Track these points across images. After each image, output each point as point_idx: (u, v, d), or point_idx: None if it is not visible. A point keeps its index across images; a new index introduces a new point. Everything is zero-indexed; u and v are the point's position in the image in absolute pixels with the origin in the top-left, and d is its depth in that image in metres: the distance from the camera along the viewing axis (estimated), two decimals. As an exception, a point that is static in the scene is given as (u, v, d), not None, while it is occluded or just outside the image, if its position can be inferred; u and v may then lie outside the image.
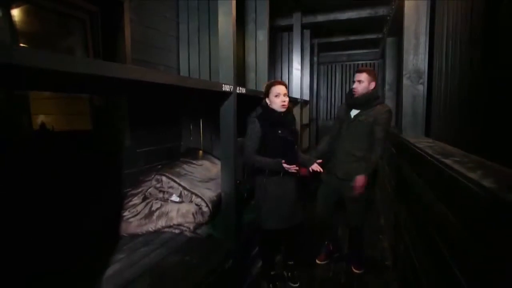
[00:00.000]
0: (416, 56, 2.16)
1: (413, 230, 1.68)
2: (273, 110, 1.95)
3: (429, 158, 1.35)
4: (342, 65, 6.84)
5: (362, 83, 2.14)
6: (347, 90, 2.73)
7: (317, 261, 2.51)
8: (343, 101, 2.53)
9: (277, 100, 1.92)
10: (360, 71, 2.17)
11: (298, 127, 2.09)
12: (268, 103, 1.97)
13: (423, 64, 2.17)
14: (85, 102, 2.18)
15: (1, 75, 1.05)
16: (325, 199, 2.39)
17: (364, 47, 6.04)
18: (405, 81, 2.22)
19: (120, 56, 2.08)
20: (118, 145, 2.18)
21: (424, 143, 1.65)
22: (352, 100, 2.22)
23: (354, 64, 6.72)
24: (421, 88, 2.20)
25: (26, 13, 1.86)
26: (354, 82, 2.20)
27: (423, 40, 2.11)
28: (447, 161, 1.09)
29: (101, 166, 2.06)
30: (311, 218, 2.56)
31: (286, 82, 4.28)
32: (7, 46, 0.73)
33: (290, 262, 2.30)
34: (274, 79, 4.36)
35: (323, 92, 7.04)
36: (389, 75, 4.22)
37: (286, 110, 1.98)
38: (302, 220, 2.09)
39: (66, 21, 2.03)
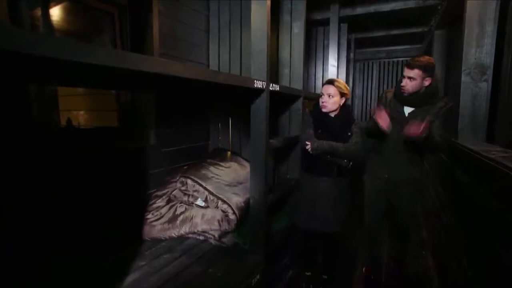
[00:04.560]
0: (479, 49, 1.84)
1: (473, 250, 1.41)
2: (320, 109, 1.94)
3: (506, 170, 1.10)
4: (380, 62, 6.41)
5: (413, 80, 1.80)
6: (385, 89, 2.36)
7: None
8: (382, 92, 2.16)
9: (320, 99, 1.92)
10: (411, 66, 1.79)
11: (356, 135, 1.94)
12: None
13: (488, 58, 1.84)
14: (112, 99, 2.11)
15: (30, 68, 0.98)
16: (375, 208, 2.12)
17: (405, 42, 5.57)
18: (464, 78, 1.90)
19: (148, 50, 1.98)
20: (143, 144, 2.09)
21: (494, 152, 1.37)
22: (404, 97, 1.91)
23: (393, 62, 6.26)
24: (484, 86, 1.87)
25: (59, 10, 1.82)
26: (403, 77, 1.90)
27: (490, 29, 1.79)
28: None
29: (125, 165, 1.98)
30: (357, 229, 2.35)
31: (320, 80, 4.04)
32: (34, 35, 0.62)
33: (324, 276, 2.10)
34: (308, 76, 4.15)
35: (358, 91, 6.65)
36: (437, 72, 3.81)
37: (336, 112, 1.94)
38: (334, 230, 1.89)
39: (95, 16, 1.97)
